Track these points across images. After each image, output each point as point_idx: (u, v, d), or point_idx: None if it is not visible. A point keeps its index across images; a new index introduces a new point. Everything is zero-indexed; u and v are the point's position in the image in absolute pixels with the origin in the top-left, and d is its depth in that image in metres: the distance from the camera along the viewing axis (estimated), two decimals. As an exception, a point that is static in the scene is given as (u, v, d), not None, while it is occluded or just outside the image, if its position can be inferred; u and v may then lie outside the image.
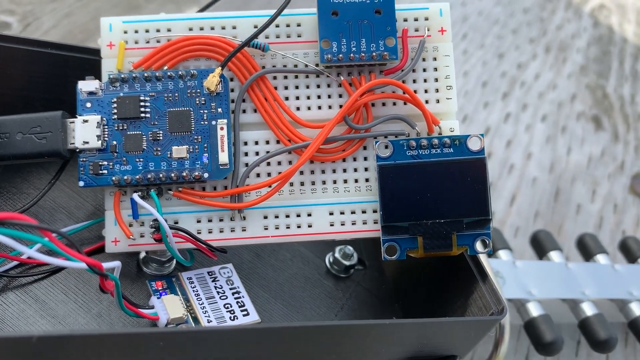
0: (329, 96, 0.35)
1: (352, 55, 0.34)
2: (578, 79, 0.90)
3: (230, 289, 0.35)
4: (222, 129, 0.33)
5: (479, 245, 0.34)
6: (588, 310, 0.51)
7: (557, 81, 0.88)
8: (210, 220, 0.34)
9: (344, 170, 0.35)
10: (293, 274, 0.40)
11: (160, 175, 0.33)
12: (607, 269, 0.55)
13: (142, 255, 0.36)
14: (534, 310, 0.48)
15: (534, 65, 0.89)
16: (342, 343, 0.30)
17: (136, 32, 0.35)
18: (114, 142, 0.33)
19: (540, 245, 0.56)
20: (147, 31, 0.35)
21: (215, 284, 0.35)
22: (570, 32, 0.97)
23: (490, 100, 0.80)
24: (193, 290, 0.35)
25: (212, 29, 0.35)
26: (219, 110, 0.34)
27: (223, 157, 0.33)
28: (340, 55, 0.34)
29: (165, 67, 0.34)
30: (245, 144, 0.35)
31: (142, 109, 0.33)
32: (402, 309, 0.41)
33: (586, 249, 0.58)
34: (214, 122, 0.33)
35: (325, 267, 0.41)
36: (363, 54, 0.34)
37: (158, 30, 0.35)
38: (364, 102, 0.34)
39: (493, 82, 0.83)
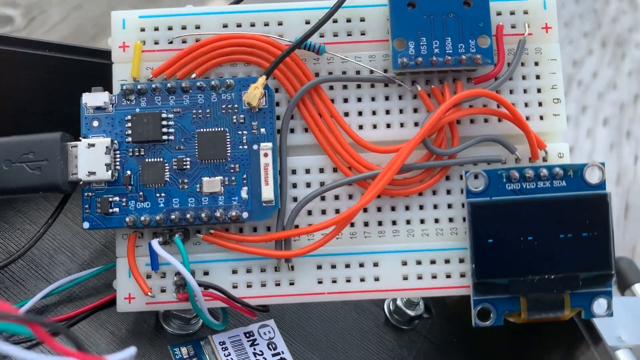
0: (401, 111, 0.27)
1: (434, 59, 0.26)
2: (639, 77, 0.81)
3: (273, 355, 0.28)
4: (266, 155, 0.26)
5: (597, 307, 0.26)
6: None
7: (617, 80, 0.79)
8: (249, 271, 0.27)
9: (421, 207, 0.27)
10: (346, 327, 0.32)
11: (187, 215, 0.26)
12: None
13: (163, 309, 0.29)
14: (627, 360, 0.41)
15: (590, 62, 0.81)
16: None
17: (156, 29, 0.28)
18: (128, 172, 0.26)
19: (622, 277, 0.48)
20: (170, 29, 0.28)
21: (254, 348, 0.28)
22: (627, 25, 0.88)
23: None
24: (227, 359, 0.27)
25: (252, 25, 0.28)
26: (262, 131, 0.26)
27: (267, 192, 0.26)
28: (419, 59, 0.26)
29: (194, 75, 0.27)
30: (294, 172, 0.27)
31: (165, 130, 0.26)
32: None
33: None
34: (255, 147, 0.26)
35: (384, 315, 0.33)
36: (449, 58, 0.26)
37: (184, 28, 0.28)
38: (449, 119, 0.26)
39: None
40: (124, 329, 0.29)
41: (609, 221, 0.26)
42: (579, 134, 0.69)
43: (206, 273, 0.27)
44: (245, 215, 0.26)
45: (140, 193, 0.26)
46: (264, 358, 0.28)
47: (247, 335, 0.29)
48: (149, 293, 0.26)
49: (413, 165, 0.27)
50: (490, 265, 0.26)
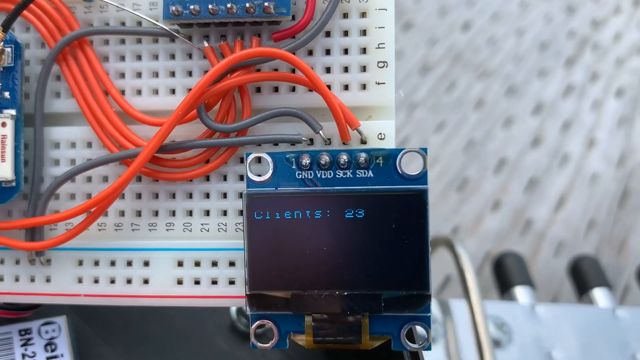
0: (190, 73, 0.22)
1: (212, 6, 0.20)
2: (675, 40, 0.69)
3: (49, 357, 0.24)
4: (4, 125, 0.21)
5: (409, 336, 0.20)
6: (640, 382, 0.35)
7: (646, 43, 0.68)
8: (1, 262, 0.23)
9: (206, 196, 0.22)
10: (173, 328, 0.28)
11: None
12: (678, 319, 0.39)
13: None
14: (553, 383, 0.34)
15: (614, 23, 0.69)
16: None
17: None
18: None
19: (582, 279, 0.40)
20: None
21: (26, 349, 0.24)
22: (672, -22, 0.75)
23: (548, 66, 0.62)
24: (-16, 361, 0.23)
25: (19, -36, 0.22)
26: (5, 94, 0.21)
27: (4, 170, 0.21)
28: (195, 7, 0.20)
29: (-54, 25, 0.22)
30: (57, 146, 0.22)
31: None
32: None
33: (652, 283, 0.42)
34: (-4, 114, 0.21)
35: (229, 319, 0.29)
36: (231, 5, 0.20)
37: (-56, -32, 0.23)
38: (233, 85, 0.21)
39: (556, 44, 0.65)
40: None
41: (425, 226, 0.19)
42: (581, 107, 0.59)
43: (-45, 261, 0.23)
44: (-19, 196, 0.21)
45: None
46: (33, 361, 0.24)
47: (23, 332, 0.24)
48: None
49: (188, 143, 0.21)
50: (268, 274, 0.20)
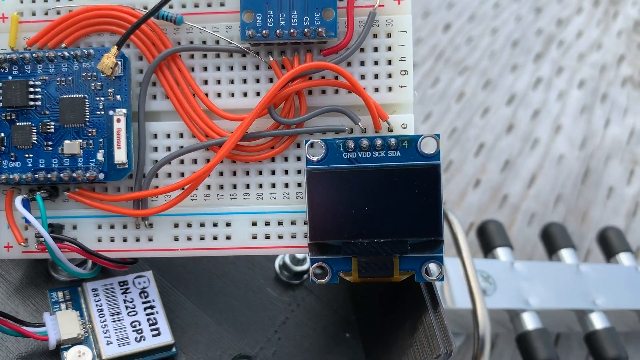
0: (257, 80, 0.29)
1: (279, 31, 0.27)
2: (630, 37, 0.78)
3: (143, 302, 0.31)
4: (118, 120, 0.28)
5: (428, 271, 0.28)
6: (597, 322, 0.44)
7: (603, 40, 0.76)
8: (112, 227, 0.29)
9: (272, 173, 0.29)
10: (232, 280, 0.35)
11: (50, 175, 0.28)
12: (629, 272, 0.47)
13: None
14: (529, 323, 0.42)
15: (577, 21, 0.78)
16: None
17: (33, 1, 0.29)
18: (2, 135, 0.28)
19: (551, 241, 0.49)
20: (45, 0, 0.29)
21: (125, 296, 0.31)
22: (627, -20, 0.84)
23: (519, 62, 0.70)
24: (96, 304, 0.30)
25: (120, -4, 0.29)
26: (117, 97, 0.28)
27: (120, 155, 0.28)
28: (265, 31, 0.27)
29: (63, 45, 0.29)
30: (155, 137, 0.29)
31: (32, 96, 0.28)
32: (359, 322, 0.36)
33: (608, 245, 0.50)
34: (111, 112, 0.28)
35: (274, 272, 0.36)
36: (293, 30, 0.27)
37: (58, 0, 0.29)
38: (294, 90, 0.28)
39: (526, 41, 0.73)
40: (17, 276, 0.32)
41: (439, 191, 0.27)
42: (549, 97, 0.67)
43: (75, 227, 0.29)
44: (101, 176, 0.28)
45: (12, 154, 0.29)
46: (133, 304, 0.31)
47: (121, 284, 0.31)
48: (22, 243, 0.29)
49: (262, 133, 0.28)
50: (324, 228, 0.27)
